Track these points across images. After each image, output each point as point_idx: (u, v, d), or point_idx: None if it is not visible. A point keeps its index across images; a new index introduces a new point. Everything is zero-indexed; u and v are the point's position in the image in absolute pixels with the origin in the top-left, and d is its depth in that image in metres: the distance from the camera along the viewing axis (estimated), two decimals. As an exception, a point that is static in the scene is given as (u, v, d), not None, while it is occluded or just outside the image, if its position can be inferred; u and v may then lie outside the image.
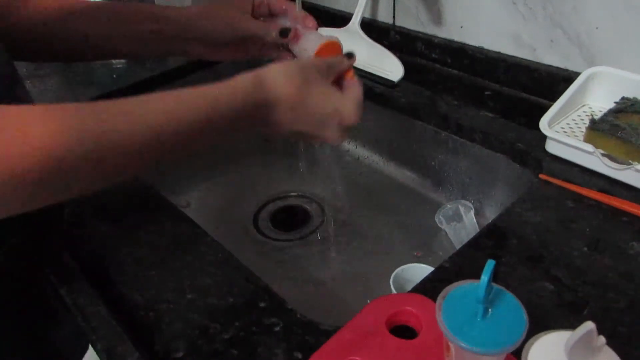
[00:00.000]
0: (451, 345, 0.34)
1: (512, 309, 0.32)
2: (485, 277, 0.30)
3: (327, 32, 0.97)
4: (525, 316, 0.32)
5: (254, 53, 0.59)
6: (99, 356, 0.44)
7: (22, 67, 1.00)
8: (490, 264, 0.30)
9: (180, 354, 0.43)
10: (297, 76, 0.43)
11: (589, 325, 0.26)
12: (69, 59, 0.57)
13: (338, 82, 0.49)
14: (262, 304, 0.47)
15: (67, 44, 0.54)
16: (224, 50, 0.57)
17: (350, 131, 0.48)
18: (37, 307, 0.55)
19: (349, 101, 0.46)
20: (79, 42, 0.55)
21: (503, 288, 0.33)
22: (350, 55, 0.50)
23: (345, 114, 0.45)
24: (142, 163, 0.38)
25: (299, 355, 0.42)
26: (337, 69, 0.48)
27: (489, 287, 0.31)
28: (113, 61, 1.06)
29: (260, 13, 0.57)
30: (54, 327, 0.57)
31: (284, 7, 0.57)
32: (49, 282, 0.52)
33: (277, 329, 0.45)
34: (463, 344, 0.31)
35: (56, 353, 0.59)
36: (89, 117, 0.34)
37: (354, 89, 0.48)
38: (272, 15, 0.58)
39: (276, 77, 0.43)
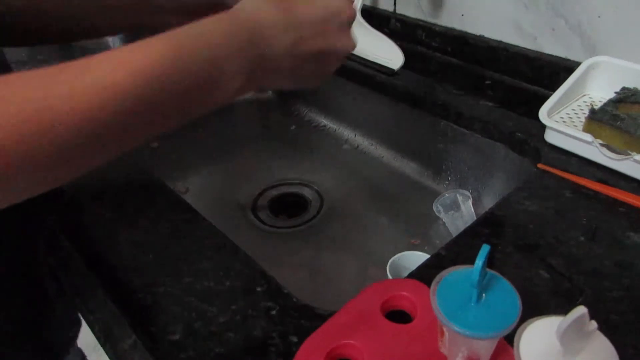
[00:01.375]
0: (445, 329, 0.34)
1: (505, 294, 0.33)
2: (479, 261, 0.30)
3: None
4: (518, 301, 0.32)
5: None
6: (97, 338, 0.45)
7: (21, 52, 1.00)
8: (484, 249, 0.31)
9: (177, 337, 0.43)
10: None
11: (581, 310, 0.26)
12: (45, 40, 0.54)
13: None
14: (258, 289, 0.48)
15: (41, 24, 0.50)
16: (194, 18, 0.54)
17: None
18: (30, 293, 0.55)
19: None
20: (55, 22, 0.50)
21: (497, 273, 0.34)
22: None
23: (338, 10, 0.41)
24: (116, 137, 0.31)
25: (295, 339, 0.42)
26: None
27: (483, 272, 0.31)
28: (111, 45, 1.05)
29: None
30: (46, 314, 0.57)
31: None
32: (47, 265, 0.53)
33: (273, 312, 0.45)
34: (456, 328, 0.31)
35: (48, 339, 0.59)
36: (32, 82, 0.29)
37: None
38: None
39: (251, 5, 0.38)
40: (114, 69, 0.30)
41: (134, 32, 0.56)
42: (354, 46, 0.43)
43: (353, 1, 0.43)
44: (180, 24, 0.43)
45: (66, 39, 0.54)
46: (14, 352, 0.53)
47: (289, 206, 0.86)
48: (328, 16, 0.40)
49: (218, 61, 0.34)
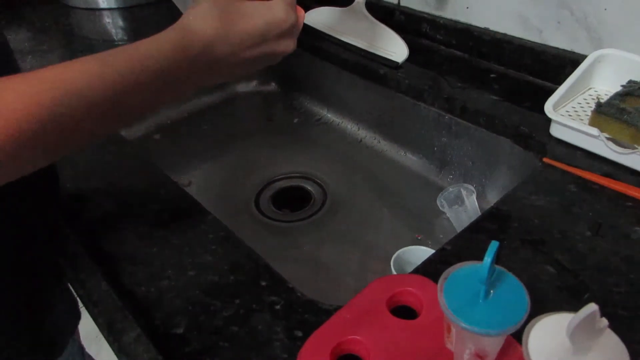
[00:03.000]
0: (452, 326, 0.34)
1: (514, 291, 0.32)
2: (488, 258, 0.30)
3: (331, 10, 0.96)
4: (527, 298, 0.32)
5: None
6: (100, 331, 0.45)
7: (24, 42, 0.99)
8: (493, 245, 0.30)
9: (181, 330, 0.43)
10: (213, 9, 0.44)
11: (592, 307, 0.26)
12: None
13: None
14: (262, 282, 0.47)
15: None
16: None
17: (298, 33, 0.49)
18: (29, 284, 0.55)
19: (276, 6, 0.46)
20: None
21: (505, 270, 0.33)
22: None
23: (278, 22, 0.45)
24: (77, 135, 0.37)
25: (299, 334, 0.42)
26: None
27: (491, 268, 0.31)
28: (115, 37, 1.05)
29: None
30: (45, 306, 0.57)
31: None
32: (47, 257, 0.52)
33: (278, 307, 0.45)
34: (464, 325, 0.31)
35: (47, 331, 0.59)
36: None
37: None
38: None
39: (195, 18, 0.43)
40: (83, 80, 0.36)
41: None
42: (294, 48, 0.48)
43: (297, 11, 0.47)
44: None
45: None
46: (12, 343, 0.53)
47: (292, 200, 0.86)
48: (267, 28, 0.45)
49: (169, 72, 0.41)
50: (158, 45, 0.41)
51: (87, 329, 0.61)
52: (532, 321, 0.31)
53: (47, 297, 0.57)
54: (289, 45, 0.47)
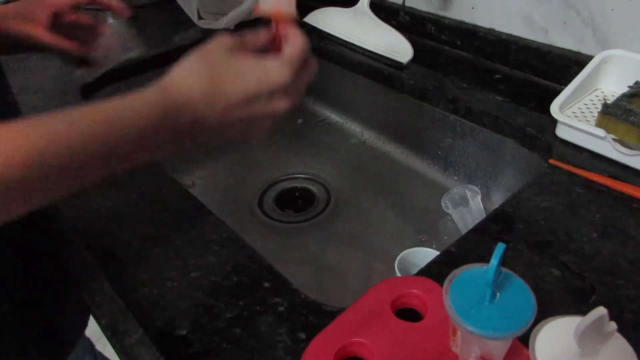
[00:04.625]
0: (458, 328, 0.34)
1: (520, 294, 0.32)
2: (495, 260, 0.30)
3: (336, 11, 0.96)
4: (534, 301, 0.31)
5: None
6: (103, 332, 0.45)
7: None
8: (500, 248, 0.30)
9: (184, 332, 0.43)
10: (202, 66, 0.40)
11: (601, 311, 0.26)
12: None
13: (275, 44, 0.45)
14: (266, 284, 0.47)
15: None
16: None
17: (300, 93, 0.44)
18: (38, 284, 0.55)
19: (274, 66, 0.41)
20: None
21: (511, 272, 0.33)
22: (268, 23, 0.46)
23: (272, 82, 0.41)
24: (46, 192, 0.36)
25: (303, 336, 0.42)
26: (250, 43, 0.44)
27: (498, 271, 0.30)
28: (119, 38, 1.05)
29: (62, 24, 0.58)
30: (56, 303, 0.58)
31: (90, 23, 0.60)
32: (54, 258, 0.52)
33: (281, 309, 0.44)
34: (470, 328, 0.30)
35: (56, 329, 0.59)
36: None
37: (286, 48, 0.43)
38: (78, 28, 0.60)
39: (180, 74, 0.40)
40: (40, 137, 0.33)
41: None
42: (288, 108, 0.43)
43: (295, 70, 0.42)
44: None
45: None
46: (22, 341, 0.54)
47: (296, 201, 0.85)
48: (258, 88, 0.41)
49: (144, 135, 0.38)
50: (135, 106, 0.38)
51: (93, 328, 0.61)
52: (539, 324, 0.31)
53: (55, 296, 0.57)
54: (281, 105, 0.42)
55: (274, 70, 0.41)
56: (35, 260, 0.54)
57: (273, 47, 0.46)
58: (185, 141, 0.41)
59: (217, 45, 0.42)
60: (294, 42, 0.43)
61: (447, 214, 0.75)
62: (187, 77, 0.40)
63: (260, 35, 0.45)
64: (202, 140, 0.42)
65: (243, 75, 0.40)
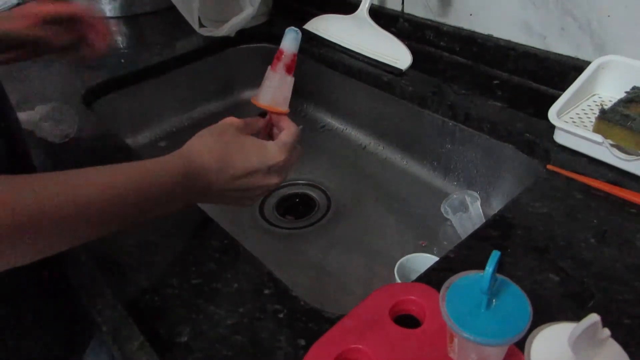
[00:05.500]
0: (455, 335, 0.34)
1: (516, 300, 0.32)
2: (489, 268, 0.30)
3: (335, 18, 0.96)
4: (529, 308, 0.32)
5: (37, 55, 0.63)
6: (105, 338, 0.45)
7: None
8: (495, 255, 0.30)
9: (185, 339, 0.43)
10: (217, 143, 0.49)
11: (594, 318, 0.26)
12: None
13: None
14: (266, 291, 0.47)
15: None
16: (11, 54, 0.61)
17: (288, 170, 0.53)
18: (51, 285, 0.56)
19: (272, 147, 0.51)
20: None
21: (507, 279, 0.33)
22: (263, 115, 0.56)
23: (269, 161, 0.50)
24: (79, 234, 0.41)
25: (302, 342, 0.42)
26: (252, 126, 0.54)
27: (493, 278, 0.31)
28: (121, 45, 1.06)
29: (55, 21, 0.61)
30: (66, 308, 0.58)
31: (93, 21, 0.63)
32: (57, 265, 0.53)
33: (281, 315, 0.45)
34: (466, 335, 0.31)
35: (69, 328, 0.60)
36: (24, 190, 0.36)
37: (283, 134, 0.53)
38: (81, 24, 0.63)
39: (202, 149, 0.48)
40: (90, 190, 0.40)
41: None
42: (278, 183, 0.53)
43: (288, 153, 0.52)
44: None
45: None
46: (35, 340, 0.54)
47: (297, 207, 0.86)
48: (259, 165, 0.50)
49: (166, 194, 0.45)
50: (163, 173, 0.45)
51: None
52: (535, 331, 0.31)
53: (67, 296, 0.58)
54: (273, 181, 0.52)
55: (272, 152, 0.50)
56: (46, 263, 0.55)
57: (264, 130, 0.56)
58: (191, 201, 0.50)
59: (229, 126, 0.51)
60: (289, 131, 0.53)
61: (447, 219, 0.75)
62: (205, 152, 0.48)
63: (259, 122, 0.55)
64: (206, 202, 0.51)
65: (248, 153, 0.50)
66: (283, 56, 0.55)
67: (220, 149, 0.49)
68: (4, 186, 0.35)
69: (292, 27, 0.55)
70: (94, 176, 0.41)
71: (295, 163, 0.55)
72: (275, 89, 0.55)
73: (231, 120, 0.52)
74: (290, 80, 0.56)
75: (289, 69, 0.55)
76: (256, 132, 0.55)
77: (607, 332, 0.27)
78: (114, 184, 0.41)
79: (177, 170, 0.46)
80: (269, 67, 0.56)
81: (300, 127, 0.55)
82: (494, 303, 0.32)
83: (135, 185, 0.43)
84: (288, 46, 0.55)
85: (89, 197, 0.39)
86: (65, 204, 0.38)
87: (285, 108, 0.56)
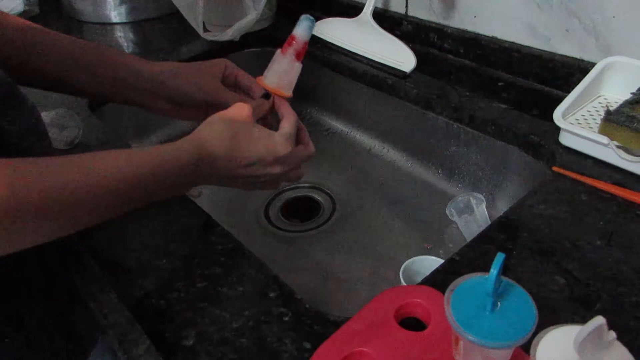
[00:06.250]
0: (460, 338, 0.34)
1: (521, 303, 0.32)
2: (494, 270, 0.30)
3: (339, 21, 0.97)
4: (534, 310, 0.32)
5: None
6: (111, 342, 0.45)
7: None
8: (499, 257, 0.30)
9: (190, 342, 0.43)
10: (228, 132, 0.50)
11: (599, 320, 0.26)
12: (29, 84, 0.60)
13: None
14: (271, 294, 0.47)
15: (38, 70, 0.57)
16: (186, 111, 0.62)
17: (297, 167, 0.55)
18: (55, 287, 0.57)
19: (278, 137, 0.52)
20: (51, 72, 0.58)
21: (513, 281, 0.33)
22: (267, 97, 0.57)
23: (275, 151, 0.51)
24: (92, 217, 0.43)
25: (307, 345, 0.42)
26: (260, 110, 0.55)
27: (498, 281, 0.31)
28: (127, 50, 1.06)
29: (227, 83, 0.61)
30: (74, 309, 0.59)
31: (249, 83, 0.62)
32: (64, 269, 0.53)
33: (286, 318, 0.45)
34: (471, 337, 0.31)
35: (74, 330, 0.60)
36: (32, 173, 0.37)
37: (283, 123, 0.54)
38: (237, 87, 0.62)
39: (212, 136, 0.49)
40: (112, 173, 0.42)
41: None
42: (281, 175, 0.54)
43: (289, 143, 0.53)
44: (170, 111, 0.62)
45: (48, 89, 0.61)
46: (40, 341, 0.55)
47: (302, 210, 0.86)
48: (265, 154, 0.51)
49: (175, 179, 0.47)
50: (173, 158, 0.46)
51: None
52: (540, 333, 0.31)
53: (72, 298, 0.58)
54: (276, 169, 0.52)
55: (279, 143, 0.51)
56: (52, 270, 0.55)
57: (269, 112, 0.57)
58: (196, 184, 0.51)
59: (239, 113, 0.51)
60: (289, 122, 0.54)
61: (453, 221, 0.75)
62: (217, 139, 0.49)
63: (265, 105, 0.56)
64: (210, 184, 0.52)
65: (256, 143, 0.50)
66: (294, 42, 0.55)
67: (229, 137, 0.49)
68: (8, 170, 0.36)
69: (308, 15, 0.54)
70: (115, 161, 0.43)
71: (308, 162, 0.57)
72: (282, 73, 0.56)
73: (241, 107, 0.52)
74: (298, 66, 0.56)
75: (298, 55, 0.55)
76: (263, 115, 0.56)
77: (613, 334, 0.27)
78: (132, 168, 0.43)
79: (188, 159, 0.47)
80: (279, 50, 0.56)
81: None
82: (499, 305, 0.32)
83: (148, 174, 0.44)
84: (301, 33, 0.55)
85: (101, 183, 0.41)
86: (75, 188, 0.39)
87: (289, 93, 0.57)
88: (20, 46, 0.56)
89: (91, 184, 0.40)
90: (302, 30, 0.55)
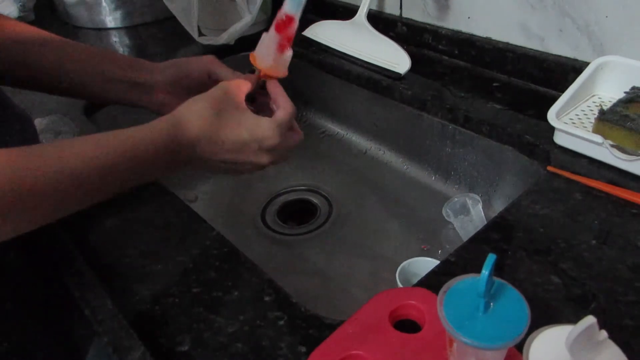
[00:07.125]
0: (454, 339, 0.34)
1: (514, 303, 0.32)
2: (485, 271, 0.30)
3: (334, 24, 0.97)
4: (527, 310, 0.31)
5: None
6: (106, 349, 0.45)
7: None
8: (490, 258, 0.30)
9: (186, 348, 0.43)
10: (209, 111, 0.47)
11: (590, 320, 0.26)
12: (34, 87, 0.61)
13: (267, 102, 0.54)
14: (266, 298, 0.47)
15: (44, 74, 0.58)
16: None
17: (284, 153, 0.52)
18: (53, 297, 0.57)
19: (266, 124, 0.48)
20: (54, 75, 0.58)
21: (505, 282, 0.33)
22: (253, 71, 0.55)
23: (262, 137, 0.48)
24: (68, 205, 0.41)
25: (303, 349, 0.42)
26: (245, 86, 0.51)
27: (489, 281, 0.31)
28: (120, 48, 1.06)
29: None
30: (69, 315, 0.59)
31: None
32: (58, 275, 0.53)
33: (282, 322, 0.45)
34: (464, 339, 0.30)
35: (70, 333, 0.60)
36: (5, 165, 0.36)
37: (278, 112, 0.50)
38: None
39: (191, 115, 0.46)
40: (77, 160, 0.40)
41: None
42: (268, 163, 0.51)
43: (283, 135, 0.50)
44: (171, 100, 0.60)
45: (47, 92, 0.62)
46: (34, 347, 0.54)
47: (298, 213, 0.86)
48: (249, 139, 0.48)
49: (151, 161, 0.44)
50: (149, 139, 0.44)
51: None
52: (533, 334, 0.31)
53: (66, 313, 0.58)
54: (262, 159, 0.50)
55: (266, 130, 0.48)
56: (45, 276, 0.55)
57: (259, 94, 0.54)
58: (178, 169, 0.48)
59: (224, 93, 0.49)
60: (285, 111, 0.50)
61: (449, 222, 0.75)
62: (196, 119, 0.46)
63: (251, 79, 0.53)
64: (193, 169, 0.50)
65: (240, 126, 0.47)
66: (284, 16, 0.54)
67: (212, 120, 0.47)
68: None
69: None
70: (82, 147, 0.41)
71: (292, 150, 0.54)
72: (271, 49, 0.54)
73: (227, 85, 0.50)
74: (289, 53, 0.55)
75: (287, 34, 0.55)
76: (252, 90, 0.53)
77: (604, 334, 0.27)
78: (102, 154, 0.41)
79: (165, 139, 0.45)
80: (273, 28, 0.55)
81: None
82: (491, 306, 0.32)
83: (123, 158, 0.42)
84: (289, 8, 0.54)
85: (76, 168, 0.40)
86: (56, 175, 0.38)
87: (283, 72, 0.54)
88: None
89: (55, 175, 0.39)
90: (290, 5, 0.54)
